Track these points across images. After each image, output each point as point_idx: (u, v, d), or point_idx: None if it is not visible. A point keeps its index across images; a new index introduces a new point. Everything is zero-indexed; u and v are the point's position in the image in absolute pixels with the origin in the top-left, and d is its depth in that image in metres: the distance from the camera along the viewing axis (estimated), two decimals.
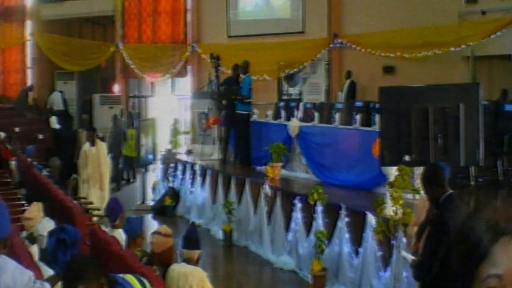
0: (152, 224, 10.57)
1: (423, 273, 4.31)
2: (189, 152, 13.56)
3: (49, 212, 5.80)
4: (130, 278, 3.50)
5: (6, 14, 20.05)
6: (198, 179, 11.67)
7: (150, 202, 13.04)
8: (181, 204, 12.36)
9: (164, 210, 12.30)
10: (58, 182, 9.52)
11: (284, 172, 10.13)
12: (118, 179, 15.06)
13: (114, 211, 5.99)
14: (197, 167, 11.81)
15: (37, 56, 19.51)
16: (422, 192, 5.23)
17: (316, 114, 10.32)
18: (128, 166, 15.71)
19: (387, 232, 6.30)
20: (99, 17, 19.17)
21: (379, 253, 6.65)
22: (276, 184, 9.33)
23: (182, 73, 18.04)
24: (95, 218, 8.65)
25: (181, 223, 11.23)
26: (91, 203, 9.59)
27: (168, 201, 12.35)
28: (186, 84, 18.27)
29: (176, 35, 17.92)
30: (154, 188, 13.55)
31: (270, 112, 12.17)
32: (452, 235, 1.19)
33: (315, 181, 9.48)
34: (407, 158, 5.99)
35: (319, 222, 7.80)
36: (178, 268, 4.49)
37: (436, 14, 13.43)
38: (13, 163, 10.63)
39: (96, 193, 10.57)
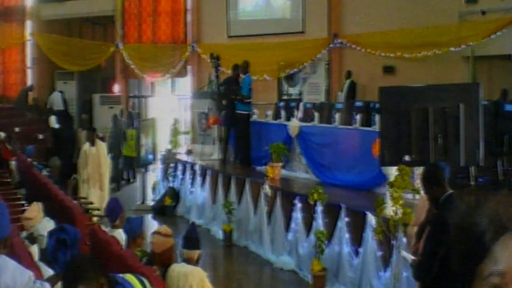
0: (152, 224, 10.57)
1: (423, 273, 4.31)
2: (189, 152, 13.56)
3: (49, 212, 5.80)
4: (130, 277, 3.50)
5: (6, 14, 20.05)
6: (198, 179, 11.67)
7: (150, 202, 13.04)
8: (181, 204, 12.36)
9: (164, 210, 12.30)
10: (58, 182, 9.53)
11: (284, 172, 10.13)
12: (118, 179, 15.06)
13: (114, 211, 5.99)
14: (197, 167, 11.81)
15: (37, 56, 19.51)
16: (422, 192, 5.23)
17: (316, 114, 10.32)
18: (128, 166, 15.71)
19: (387, 232, 6.30)
20: (99, 17, 19.18)
21: (379, 253, 6.65)
22: (276, 184, 9.33)
23: (182, 73, 18.04)
24: (95, 218, 8.65)
25: (181, 223, 11.23)
26: (91, 203, 9.58)
27: (168, 201, 12.35)
28: (186, 84, 18.28)
29: (176, 35, 17.93)
30: (154, 188, 13.55)
31: (270, 112, 12.17)
32: (452, 232, 1.16)
33: (315, 181, 9.48)
34: (407, 158, 5.99)
35: (319, 222, 7.80)
36: (178, 268, 4.49)
37: (436, 14, 13.43)
38: (13, 163, 10.63)
39: (96, 193, 10.57)
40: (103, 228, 5.81)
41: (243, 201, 9.96)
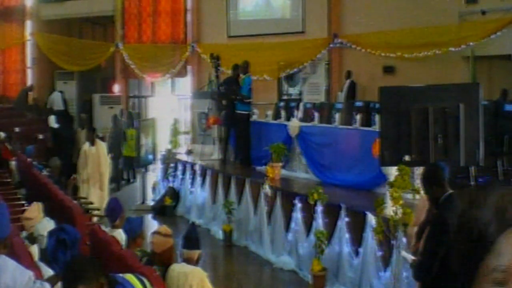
0: (152, 224, 10.57)
1: (423, 273, 4.31)
2: (189, 152, 13.56)
3: (49, 212, 5.80)
4: (130, 277, 3.50)
5: (6, 14, 20.05)
6: (198, 179, 11.67)
7: (150, 202, 13.04)
8: (181, 204, 12.36)
9: (164, 210, 12.30)
10: (58, 182, 9.53)
11: (284, 172, 10.13)
12: (118, 179, 15.06)
13: (114, 211, 5.99)
14: (197, 167, 11.81)
15: (37, 56, 19.51)
16: (422, 192, 5.23)
17: (316, 114, 10.32)
18: (128, 166, 15.71)
19: (387, 232, 6.30)
20: (99, 17, 19.17)
21: (379, 253, 6.65)
22: (276, 184, 9.33)
23: (182, 73, 18.04)
24: (95, 218, 8.65)
25: (181, 223, 11.23)
26: (91, 203, 9.58)
27: (168, 201, 12.35)
28: (186, 84, 18.27)
29: (176, 35, 17.93)
30: (154, 188, 13.55)
31: (270, 112, 12.18)
32: (454, 227, 1.11)
33: (315, 181, 9.48)
34: (407, 158, 5.99)
35: (319, 222, 7.80)
36: (178, 268, 4.49)
37: (436, 14, 13.43)
38: (13, 163, 10.63)
39: (96, 193, 10.57)
40: (103, 228, 5.81)
41: (243, 201, 9.96)
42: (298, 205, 8.32)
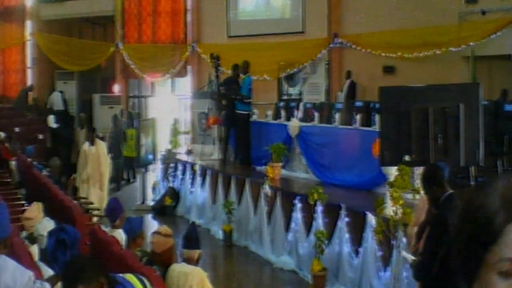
0: (152, 224, 10.56)
1: (423, 273, 4.32)
2: (189, 152, 13.55)
3: (49, 212, 5.81)
4: (130, 277, 3.50)
5: (6, 14, 20.05)
6: (198, 179, 11.67)
7: (150, 202, 13.03)
8: (181, 204, 12.36)
9: (164, 210, 12.30)
10: (58, 182, 9.53)
11: (284, 172, 10.13)
12: (118, 179, 15.06)
13: (114, 211, 5.99)
14: (197, 167, 11.81)
15: (37, 56, 19.51)
16: (422, 192, 5.23)
17: (316, 114, 10.32)
18: (128, 166, 15.71)
19: (387, 232, 6.30)
20: (99, 17, 19.17)
21: (379, 253, 6.65)
22: (276, 184, 9.33)
23: (182, 73, 18.03)
24: (95, 218, 8.65)
25: (181, 223, 11.23)
26: (91, 203, 9.58)
27: (168, 201, 12.35)
28: (186, 84, 18.27)
29: (176, 35, 17.92)
30: (154, 188, 13.55)
31: (270, 112, 12.17)
32: (460, 216, 1.06)
33: (315, 181, 9.48)
34: (407, 158, 5.99)
35: (319, 222, 7.80)
36: (178, 268, 4.49)
37: (436, 14, 13.43)
38: (13, 163, 10.63)
39: (96, 193, 10.57)
40: (103, 228, 5.81)
41: (243, 201, 9.96)
42: (298, 205, 8.32)
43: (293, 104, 12.21)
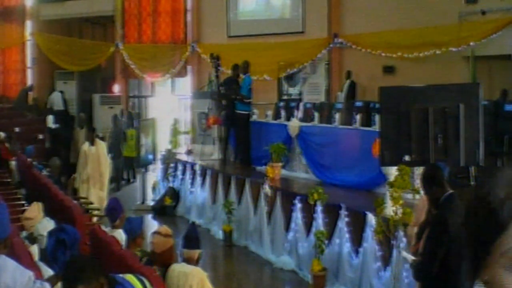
0: (152, 224, 10.57)
1: (423, 273, 4.32)
2: (189, 152, 13.56)
3: (49, 212, 5.81)
4: (130, 277, 3.50)
5: (6, 14, 20.04)
6: (198, 179, 11.67)
7: (150, 202, 13.04)
8: (181, 204, 12.36)
9: (164, 210, 12.30)
10: (58, 182, 9.53)
11: (284, 172, 10.13)
12: (118, 179, 15.06)
13: (114, 211, 5.99)
14: (197, 167, 11.81)
15: (37, 56, 19.50)
16: (422, 192, 5.23)
17: (316, 114, 10.32)
18: (128, 166, 15.71)
19: (387, 232, 6.30)
20: (99, 17, 19.17)
21: (379, 253, 6.65)
22: (276, 184, 9.33)
23: (182, 73, 18.03)
24: (95, 218, 8.65)
25: (181, 223, 11.23)
26: (91, 203, 9.58)
27: (168, 201, 12.35)
28: (186, 84, 18.26)
29: (176, 35, 17.92)
30: (154, 188, 13.55)
31: (270, 112, 12.17)
32: (465, 205, 1.04)
33: (315, 181, 9.48)
34: (407, 158, 5.99)
35: (319, 222, 7.80)
36: (178, 268, 4.49)
37: (436, 14, 13.43)
38: (13, 163, 10.63)
39: (96, 193, 10.57)
40: (103, 228, 5.81)
41: (243, 201, 9.96)
42: (298, 205, 8.32)
43: (293, 104, 12.21)
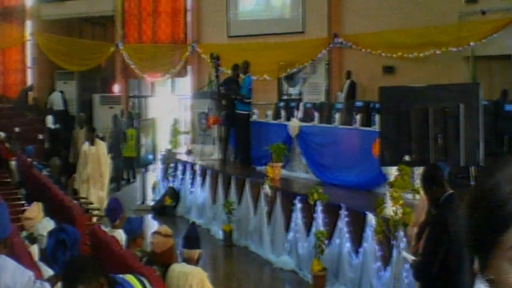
0: (152, 224, 10.57)
1: (423, 273, 4.32)
2: (189, 152, 13.55)
3: (49, 212, 5.81)
4: (130, 278, 3.50)
5: (6, 14, 20.04)
6: (198, 179, 11.67)
7: (150, 202, 13.03)
8: (181, 204, 12.36)
9: (164, 210, 12.29)
10: (58, 182, 9.53)
11: (284, 172, 10.13)
12: (118, 179, 15.06)
13: (114, 211, 5.99)
14: (197, 167, 11.81)
15: (37, 56, 19.50)
16: (422, 192, 5.23)
17: (316, 114, 10.32)
18: (128, 166, 15.71)
19: (387, 232, 6.30)
20: (99, 17, 19.17)
21: (379, 253, 6.65)
22: (276, 184, 9.33)
23: (182, 73, 18.03)
24: (95, 218, 8.65)
25: (181, 223, 11.23)
26: (91, 203, 9.58)
27: (168, 201, 12.35)
28: (186, 84, 18.27)
29: (176, 35, 17.92)
30: (154, 188, 13.55)
31: (270, 112, 12.17)
32: (470, 199, 1.02)
33: (315, 181, 9.48)
34: (407, 158, 5.99)
35: (319, 222, 7.80)
36: (178, 268, 4.49)
37: (436, 14, 13.43)
38: (13, 163, 10.63)
39: (96, 193, 10.57)
40: (103, 228, 5.81)
41: (243, 201, 9.96)
42: (298, 205, 8.32)
43: (293, 104, 12.21)
